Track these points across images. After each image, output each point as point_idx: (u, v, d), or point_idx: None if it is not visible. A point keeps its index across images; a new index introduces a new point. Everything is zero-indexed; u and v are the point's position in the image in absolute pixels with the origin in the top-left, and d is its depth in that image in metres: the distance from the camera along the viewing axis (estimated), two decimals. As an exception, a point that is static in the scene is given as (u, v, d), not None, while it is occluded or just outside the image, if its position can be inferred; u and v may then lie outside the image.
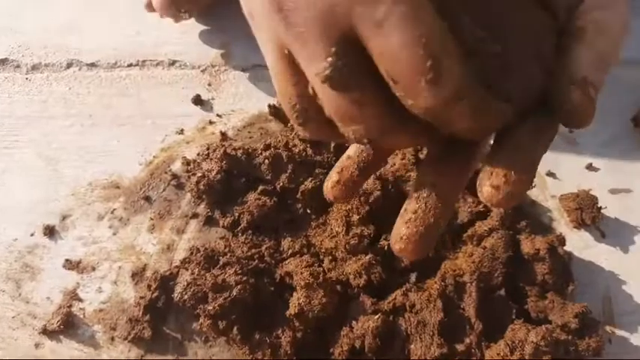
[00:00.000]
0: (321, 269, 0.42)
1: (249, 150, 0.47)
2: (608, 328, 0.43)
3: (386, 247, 0.43)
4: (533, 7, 0.26)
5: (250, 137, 0.51)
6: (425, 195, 0.24)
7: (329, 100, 0.21)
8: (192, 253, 0.45)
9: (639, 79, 0.53)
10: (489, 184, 0.22)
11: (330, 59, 0.19)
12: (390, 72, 0.19)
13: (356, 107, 0.20)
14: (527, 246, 0.42)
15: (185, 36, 0.56)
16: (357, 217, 0.44)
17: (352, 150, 0.27)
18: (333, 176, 0.27)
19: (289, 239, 0.45)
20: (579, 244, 0.46)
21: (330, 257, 0.43)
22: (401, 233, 0.23)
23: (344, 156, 0.27)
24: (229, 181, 0.47)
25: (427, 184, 0.24)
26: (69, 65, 0.55)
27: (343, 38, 0.19)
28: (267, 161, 0.46)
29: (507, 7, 0.25)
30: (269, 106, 0.51)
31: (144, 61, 0.55)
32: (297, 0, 0.20)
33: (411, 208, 0.23)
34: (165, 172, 0.49)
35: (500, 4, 0.25)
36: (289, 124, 0.51)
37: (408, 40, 0.18)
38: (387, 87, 0.20)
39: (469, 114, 0.20)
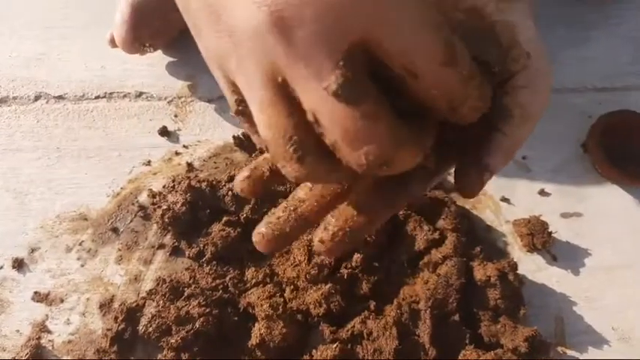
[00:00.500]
0: (282, 300, 0.43)
1: (214, 182, 0.48)
2: (560, 349, 0.45)
3: (346, 276, 0.45)
4: None
5: (216, 167, 0.52)
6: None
7: (336, 120, 0.19)
8: (158, 284, 0.46)
9: (589, 105, 0.56)
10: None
11: (338, 71, 0.19)
12: (409, 64, 0.19)
13: (369, 123, 0.19)
14: (479, 272, 0.44)
15: (152, 68, 0.57)
16: (318, 246, 0.45)
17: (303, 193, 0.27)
18: (244, 171, 0.26)
19: (253, 269, 0.46)
20: (532, 267, 0.48)
21: (292, 287, 0.45)
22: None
23: (261, 157, 0.27)
24: (194, 212, 0.48)
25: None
26: (37, 98, 0.56)
27: (350, 50, 0.19)
28: (230, 193, 0.47)
29: None
30: (234, 137, 0.52)
31: (111, 93, 0.56)
32: (303, 14, 0.19)
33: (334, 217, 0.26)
34: (133, 204, 0.51)
35: None
36: (254, 154, 0.52)
37: (424, 28, 0.19)
38: (394, 99, 0.20)
39: (478, 94, 0.22)
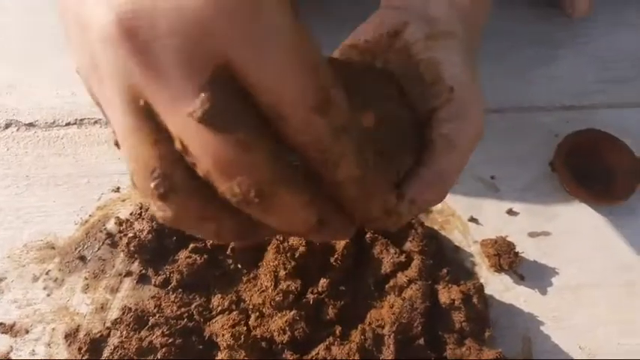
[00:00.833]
0: (246, 328, 0.43)
1: (179, 209, 0.48)
2: (527, 369, 0.45)
3: (311, 301, 0.44)
4: (399, 102, 0.28)
5: (185, 193, 0.52)
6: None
7: (206, 149, 0.17)
8: (123, 313, 0.46)
9: (557, 123, 0.56)
10: None
11: (204, 95, 0.16)
12: (276, 105, 0.17)
13: (242, 152, 0.17)
14: (444, 296, 0.44)
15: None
16: (284, 272, 0.45)
17: None
18: None
19: (219, 296, 0.46)
20: (500, 287, 0.48)
21: (257, 313, 0.44)
22: None
23: None
24: (161, 240, 0.48)
25: None
26: (7, 125, 0.56)
27: (217, 72, 0.17)
28: (196, 220, 0.47)
29: (377, 96, 0.27)
30: (202, 162, 0.53)
31: (82, 120, 0.56)
32: (156, 24, 0.16)
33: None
34: (101, 231, 0.50)
35: (372, 91, 0.27)
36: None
37: (296, 68, 0.17)
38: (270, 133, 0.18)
39: (353, 151, 0.19)
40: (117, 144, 0.20)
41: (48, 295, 0.48)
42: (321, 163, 0.19)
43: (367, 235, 0.47)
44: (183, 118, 0.17)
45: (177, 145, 0.17)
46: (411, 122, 0.27)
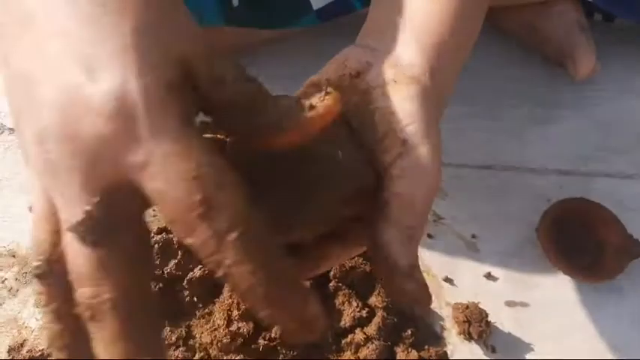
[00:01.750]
0: (188, 368, 0.41)
1: (142, 233, 0.47)
2: None
3: (261, 348, 0.42)
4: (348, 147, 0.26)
5: (154, 216, 0.51)
6: None
7: (71, 253, 0.19)
8: (69, 335, 0.44)
9: (549, 187, 0.53)
10: None
11: (88, 208, 0.18)
12: (165, 211, 0.18)
13: (95, 266, 0.19)
14: (401, 360, 0.41)
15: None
16: (238, 312, 0.43)
17: None
18: None
19: (168, 329, 0.44)
20: (468, 357, 0.45)
21: (203, 353, 0.42)
22: None
23: None
24: (119, 262, 0.46)
25: None
26: (-7, 128, 0.56)
27: (109, 187, 0.19)
28: (156, 246, 0.46)
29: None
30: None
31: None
32: (60, 148, 0.19)
33: None
34: (63, 245, 0.49)
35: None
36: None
37: (174, 177, 0.18)
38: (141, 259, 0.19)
39: (245, 250, 0.18)
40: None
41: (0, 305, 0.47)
42: (215, 271, 0.19)
43: (331, 284, 0.45)
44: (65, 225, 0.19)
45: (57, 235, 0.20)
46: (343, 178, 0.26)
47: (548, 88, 0.60)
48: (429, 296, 0.26)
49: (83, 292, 0.19)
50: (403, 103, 0.26)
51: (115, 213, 0.19)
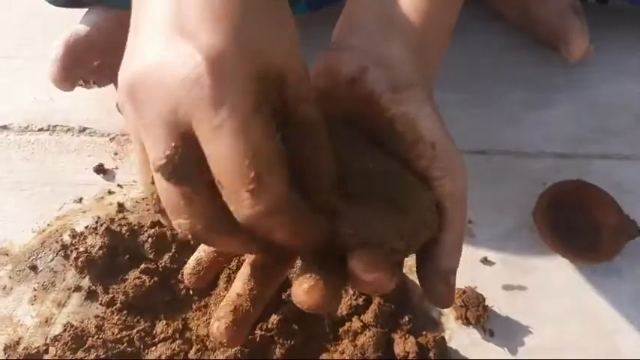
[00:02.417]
0: (184, 360, 0.40)
1: (135, 227, 0.47)
2: None
3: (258, 338, 0.42)
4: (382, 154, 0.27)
5: (148, 210, 0.50)
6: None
7: (161, 190, 0.22)
8: (64, 330, 0.44)
9: (546, 171, 0.53)
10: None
11: (167, 152, 0.21)
12: (218, 176, 0.20)
13: (184, 201, 0.21)
14: (399, 346, 0.41)
15: (100, 103, 0.56)
16: (234, 303, 0.42)
17: (239, 286, 0.26)
18: (225, 316, 0.25)
19: (165, 322, 0.44)
20: (466, 341, 0.45)
21: (200, 345, 0.42)
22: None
23: (232, 294, 0.26)
24: (113, 257, 0.46)
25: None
26: (-17, 127, 0.56)
27: (184, 135, 0.21)
28: (150, 239, 0.46)
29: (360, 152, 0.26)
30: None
31: (55, 127, 0.55)
32: (146, 93, 0.21)
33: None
34: (56, 242, 0.49)
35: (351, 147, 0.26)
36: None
37: (236, 150, 0.20)
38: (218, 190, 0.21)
39: (285, 228, 0.21)
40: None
41: (-7, 304, 0.46)
42: (256, 232, 0.21)
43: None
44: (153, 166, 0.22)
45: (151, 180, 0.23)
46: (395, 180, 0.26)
47: (541, 71, 0.60)
48: (452, 301, 0.27)
49: (179, 224, 0.22)
50: (415, 107, 0.27)
51: (190, 158, 0.21)
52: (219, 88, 0.20)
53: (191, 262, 0.28)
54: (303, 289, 0.23)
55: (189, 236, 0.22)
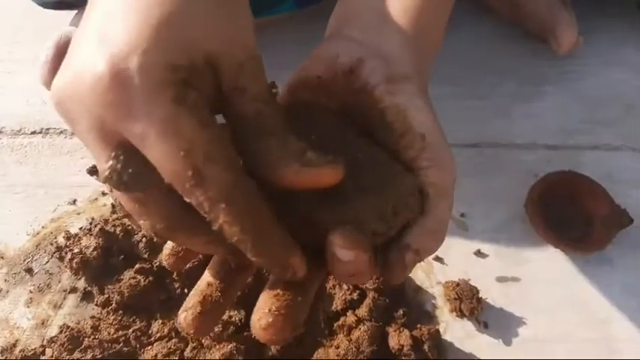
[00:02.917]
0: (181, 359, 0.41)
1: (129, 227, 0.47)
2: None
3: (253, 335, 0.42)
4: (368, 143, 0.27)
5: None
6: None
7: (116, 197, 0.22)
8: (61, 332, 0.44)
9: (537, 163, 0.53)
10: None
11: (110, 162, 0.20)
12: (164, 177, 0.20)
13: (138, 205, 0.21)
14: (393, 340, 0.41)
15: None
16: (229, 301, 0.43)
17: (209, 275, 0.26)
18: (193, 306, 0.25)
19: (160, 321, 0.44)
20: (460, 333, 0.45)
21: (195, 343, 0.42)
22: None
23: (202, 283, 0.26)
24: (108, 258, 0.46)
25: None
26: (-24, 130, 0.56)
27: (122, 143, 0.20)
28: (144, 239, 0.46)
29: (345, 141, 0.26)
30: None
31: (48, 129, 0.55)
32: (72, 106, 0.21)
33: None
34: (51, 244, 0.49)
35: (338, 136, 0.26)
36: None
37: (168, 151, 0.20)
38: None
39: (233, 220, 0.21)
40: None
41: (-11, 307, 0.46)
42: (211, 224, 0.21)
43: (321, 268, 0.45)
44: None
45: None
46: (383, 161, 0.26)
47: (532, 64, 0.60)
48: (402, 278, 0.26)
49: (143, 224, 0.22)
50: (408, 99, 0.27)
51: (136, 162, 0.21)
52: (126, 98, 0.19)
53: (169, 243, 0.27)
54: (260, 325, 0.23)
55: (154, 236, 0.22)
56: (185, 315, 0.25)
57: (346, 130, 0.27)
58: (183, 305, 0.25)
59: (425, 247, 0.26)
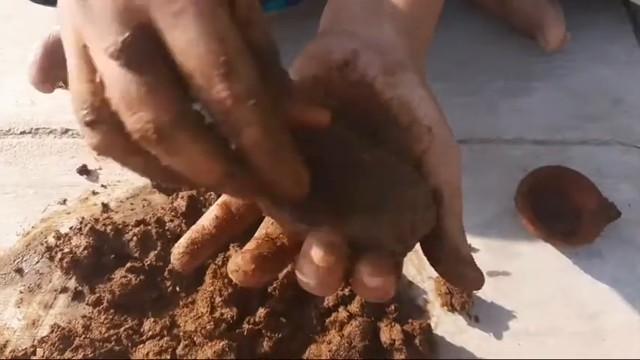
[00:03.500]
0: (173, 357, 0.41)
1: (120, 226, 0.47)
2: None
3: (246, 332, 0.42)
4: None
5: (132, 209, 0.51)
6: None
7: (117, 82, 0.19)
8: (52, 332, 0.44)
9: (526, 158, 0.54)
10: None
11: (121, 36, 0.19)
12: (186, 63, 0.19)
13: (147, 90, 0.19)
14: (385, 335, 0.41)
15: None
16: (220, 298, 0.43)
17: (206, 219, 0.26)
18: (182, 243, 0.26)
19: (152, 320, 0.44)
20: (452, 328, 0.45)
21: (187, 341, 0.42)
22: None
23: (198, 225, 0.26)
24: (98, 257, 0.46)
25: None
26: (-36, 131, 0.55)
27: (140, 27, 0.19)
28: (135, 238, 0.46)
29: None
30: (153, 178, 0.51)
31: (37, 129, 0.55)
32: None
33: None
34: (41, 244, 0.49)
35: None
36: (172, 196, 0.50)
37: (204, 32, 0.19)
38: (181, 85, 0.19)
39: (257, 121, 0.19)
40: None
41: (-21, 308, 0.46)
42: (226, 125, 0.19)
43: (312, 265, 0.45)
44: (104, 57, 0.19)
45: (97, 80, 0.20)
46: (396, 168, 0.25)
47: (520, 60, 0.61)
48: (484, 280, 0.27)
49: (141, 117, 0.19)
50: (410, 90, 0.26)
51: (148, 49, 0.19)
52: None
53: (182, 241, 0.26)
54: (234, 265, 0.23)
55: (150, 133, 0.19)
56: (176, 250, 0.26)
57: (350, 136, 0.26)
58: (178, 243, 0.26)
59: (466, 244, 0.26)
